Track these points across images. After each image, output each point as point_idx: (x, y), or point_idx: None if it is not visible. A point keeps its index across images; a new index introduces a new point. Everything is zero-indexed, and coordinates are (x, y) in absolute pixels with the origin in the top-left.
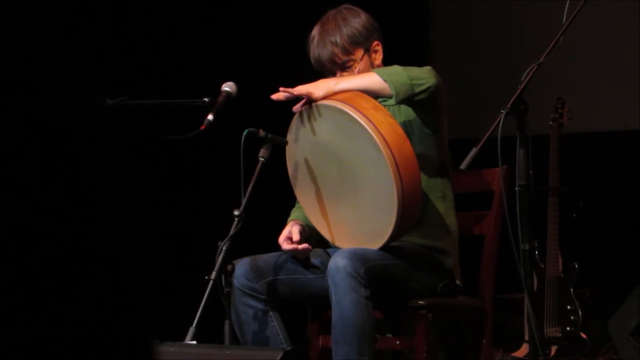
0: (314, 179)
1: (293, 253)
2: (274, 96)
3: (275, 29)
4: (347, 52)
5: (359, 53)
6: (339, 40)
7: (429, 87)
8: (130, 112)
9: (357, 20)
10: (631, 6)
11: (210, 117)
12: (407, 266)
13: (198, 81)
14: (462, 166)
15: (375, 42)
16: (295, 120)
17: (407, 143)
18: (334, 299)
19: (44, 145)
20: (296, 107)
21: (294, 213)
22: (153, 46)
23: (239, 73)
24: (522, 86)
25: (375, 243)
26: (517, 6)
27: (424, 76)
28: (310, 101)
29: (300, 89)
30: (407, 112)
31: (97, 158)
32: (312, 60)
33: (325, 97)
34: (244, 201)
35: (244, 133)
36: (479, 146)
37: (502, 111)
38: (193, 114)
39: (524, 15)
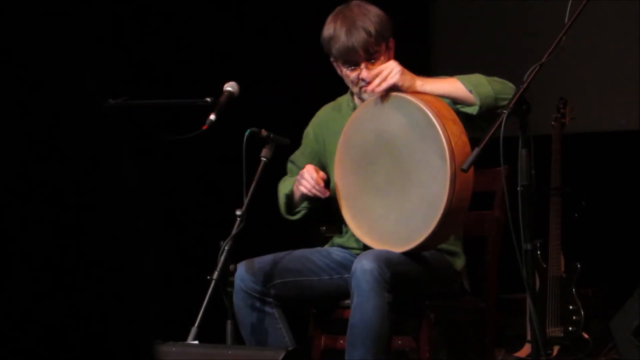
0: (364, 166)
1: (313, 190)
2: (363, 74)
3: (278, 29)
4: (378, 42)
5: (383, 47)
6: (372, 29)
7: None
8: (132, 112)
9: (379, 15)
10: (633, 6)
11: (212, 117)
12: (425, 270)
13: (200, 81)
14: (464, 166)
15: (391, 39)
16: (366, 102)
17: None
18: (355, 300)
19: (45, 145)
20: (375, 88)
21: (287, 182)
22: (155, 46)
23: (241, 73)
24: (524, 86)
25: (401, 247)
26: (519, 6)
27: (508, 92)
28: (394, 90)
29: (392, 70)
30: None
31: (99, 158)
32: (339, 48)
33: (407, 92)
34: (246, 201)
35: (246, 133)
36: (481, 146)
37: (504, 111)
38: (195, 114)
39: (526, 15)
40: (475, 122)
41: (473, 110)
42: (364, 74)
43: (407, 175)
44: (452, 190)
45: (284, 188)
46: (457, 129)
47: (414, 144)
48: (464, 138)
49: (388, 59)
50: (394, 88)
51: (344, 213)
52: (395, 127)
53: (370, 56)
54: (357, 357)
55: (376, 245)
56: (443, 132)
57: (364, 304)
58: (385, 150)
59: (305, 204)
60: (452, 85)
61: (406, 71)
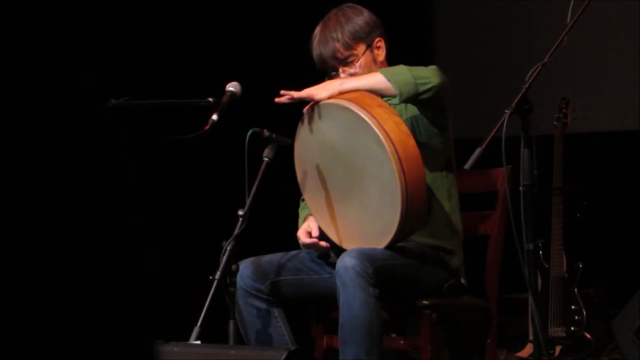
0: (322, 181)
1: (313, 249)
2: (278, 100)
3: (280, 29)
4: (349, 47)
5: (361, 48)
6: (340, 35)
7: (433, 87)
8: (134, 112)
9: (359, 17)
10: (635, 5)
11: (214, 117)
12: (414, 266)
13: (202, 81)
14: (467, 166)
15: (378, 39)
16: (301, 123)
17: (412, 141)
18: (342, 298)
19: (47, 144)
20: (305, 109)
21: (305, 210)
22: (157, 46)
23: (244, 73)
24: (526, 86)
25: (381, 242)
26: (521, 6)
27: (428, 75)
28: (314, 103)
29: (302, 92)
30: (414, 110)
31: (100, 157)
32: (315, 58)
33: (330, 98)
34: (248, 201)
35: (249, 133)
36: (483, 146)
37: (506, 111)
38: (197, 114)
39: (528, 15)
40: (420, 105)
41: (396, 100)
42: (278, 100)
43: (360, 175)
44: (401, 169)
45: (300, 219)
46: (385, 111)
47: (352, 142)
48: (395, 118)
49: (372, 59)
50: (315, 101)
51: (326, 232)
52: (331, 135)
53: (343, 61)
54: (350, 355)
55: (358, 246)
56: (370, 120)
57: (350, 300)
58: (333, 160)
59: None
60: (372, 79)
61: (322, 85)
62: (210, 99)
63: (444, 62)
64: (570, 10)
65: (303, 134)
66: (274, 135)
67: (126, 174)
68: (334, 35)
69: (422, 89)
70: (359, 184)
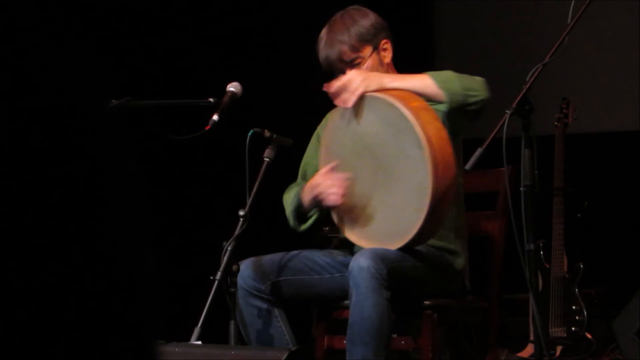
0: (347, 171)
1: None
2: (327, 87)
3: (281, 29)
4: (355, 49)
5: (367, 50)
6: (346, 38)
7: (481, 100)
8: (135, 112)
9: (365, 19)
10: (636, 6)
11: (215, 117)
12: (424, 268)
13: (203, 81)
14: (467, 166)
15: (384, 41)
16: (340, 109)
17: (450, 149)
18: (354, 299)
19: (47, 144)
20: (344, 104)
21: (294, 188)
22: (158, 46)
23: (244, 73)
24: (527, 86)
25: (396, 243)
26: (521, 6)
27: (477, 87)
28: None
29: (354, 82)
30: (436, 109)
31: (100, 157)
32: (321, 60)
33: (376, 92)
34: (249, 201)
35: (249, 133)
36: (484, 146)
37: (507, 111)
38: (198, 114)
39: (528, 15)
40: (452, 118)
41: (443, 107)
42: (327, 87)
43: (389, 172)
44: (436, 174)
45: (289, 199)
46: (429, 115)
47: (389, 139)
48: (438, 123)
49: (379, 61)
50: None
51: (336, 221)
52: (369, 128)
53: (349, 64)
54: (358, 355)
55: (373, 246)
56: (415, 121)
57: (363, 301)
58: (364, 153)
59: (314, 210)
60: (421, 82)
61: (371, 74)
62: (211, 99)
63: (444, 62)
64: (571, 10)
65: (338, 121)
66: (274, 136)
67: (126, 174)
68: (340, 37)
69: (470, 100)
70: (386, 181)
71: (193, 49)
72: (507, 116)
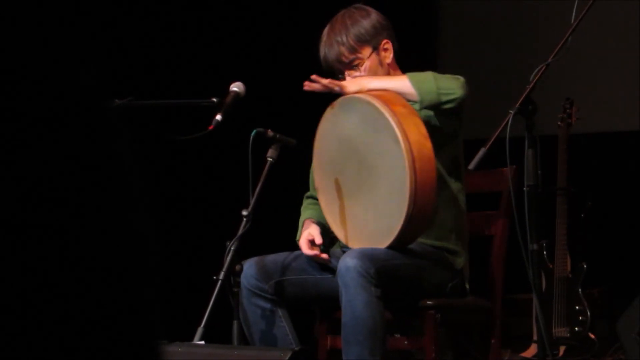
0: (335, 175)
1: (314, 259)
2: (307, 87)
3: (284, 29)
4: (354, 50)
5: (367, 51)
6: (345, 39)
7: (456, 98)
8: (138, 112)
9: (366, 19)
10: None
11: (218, 117)
12: (417, 266)
13: (206, 81)
14: (471, 166)
15: (385, 41)
16: (326, 114)
17: (429, 143)
18: (344, 299)
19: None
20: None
21: (306, 211)
22: (161, 46)
23: (247, 73)
24: (530, 86)
25: (384, 241)
26: (525, 6)
27: (452, 87)
28: (341, 94)
29: (334, 82)
30: (427, 113)
31: (101, 158)
32: (321, 60)
33: (357, 92)
34: (252, 201)
35: (252, 133)
36: (488, 146)
37: (511, 111)
38: (201, 114)
39: (532, 15)
40: (437, 117)
41: (417, 107)
42: (307, 87)
43: (372, 171)
44: (413, 167)
45: (301, 219)
46: (407, 111)
47: (370, 138)
48: (416, 119)
49: (379, 62)
50: (342, 93)
51: (332, 228)
52: (351, 128)
53: (348, 65)
54: (353, 355)
55: (363, 246)
56: (391, 116)
57: (353, 301)
58: (349, 154)
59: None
60: (398, 82)
61: (353, 80)
62: (214, 99)
63: (448, 62)
64: (574, 10)
65: (325, 125)
66: (277, 136)
67: (128, 174)
68: (339, 38)
69: (444, 99)
70: (369, 180)
71: (196, 49)
72: (510, 116)
